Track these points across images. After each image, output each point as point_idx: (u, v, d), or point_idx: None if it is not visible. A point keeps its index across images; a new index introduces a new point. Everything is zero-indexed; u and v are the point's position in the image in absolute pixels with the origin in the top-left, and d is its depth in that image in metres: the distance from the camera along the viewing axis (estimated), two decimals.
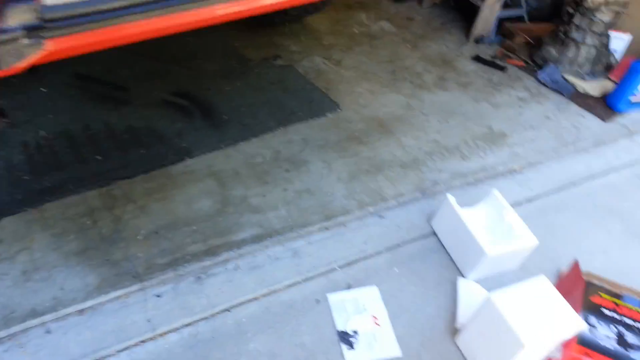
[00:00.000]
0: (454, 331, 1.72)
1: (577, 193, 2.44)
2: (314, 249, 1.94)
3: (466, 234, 1.88)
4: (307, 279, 1.83)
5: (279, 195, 2.12)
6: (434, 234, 2.07)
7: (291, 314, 1.71)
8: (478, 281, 1.90)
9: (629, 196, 2.48)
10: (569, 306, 1.52)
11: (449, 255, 1.99)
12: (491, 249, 1.81)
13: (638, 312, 1.62)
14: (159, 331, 1.58)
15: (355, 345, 1.62)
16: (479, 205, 2.07)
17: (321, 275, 1.85)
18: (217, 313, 1.68)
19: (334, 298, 1.76)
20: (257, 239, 1.93)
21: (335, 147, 2.42)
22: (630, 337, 1.54)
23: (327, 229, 2.03)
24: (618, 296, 1.66)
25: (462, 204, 2.00)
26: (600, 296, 1.65)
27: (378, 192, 2.22)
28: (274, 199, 2.10)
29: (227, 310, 1.69)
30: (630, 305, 1.64)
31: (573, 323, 1.48)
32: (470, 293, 1.83)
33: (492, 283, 1.90)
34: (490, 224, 1.99)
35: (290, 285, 1.80)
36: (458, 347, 1.68)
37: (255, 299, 1.74)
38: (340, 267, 1.89)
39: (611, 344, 1.51)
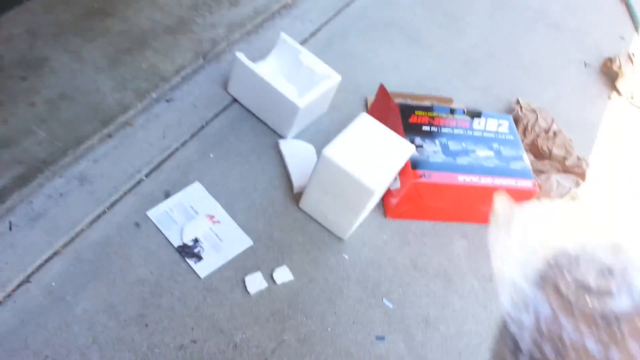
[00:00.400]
0: (296, 197, 1.73)
1: (353, 14, 2.51)
2: (104, 166, 1.66)
3: (270, 92, 1.79)
4: (112, 205, 1.58)
5: (27, 113, 1.70)
6: (235, 100, 1.95)
7: (112, 251, 1.49)
8: (298, 137, 1.89)
9: (399, 4, 2.64)
10: (395, 134, 1.61)
11: (260, 119, 1.91)
12: (301, 100, 1.77)
13: (449, 118, 1.82)
14: None
15: (202, 254, 1.52)
16: (271, 54, 1.97)
17: (128, 194, 1.62)
18: (13, 291, 1.37)
19: (155, 213, 1.58)
20: (21, 181, 1.55)
21: (75, 30, 1.98)
22: (452, 144, 1.73)
23: (110, 136, 1.74)
24: (429, 109, 1.82)
25: (253, 58, 1.88)
26: (416, 114, 1.78)
27: (154, 72, 1.94)
28: (21, 121, 1.68)
29: (26, 281, 1.39)
30: (441, 114, 1.82)
31: (403, 149, 1.59)
32: (296, 152, 1.82)
33: (312, 134, 1.91)
34: (290, 72, 1.93)
35: (94, 220, 1.54)
36: (305, 212, 1.70)
37: (56, 253, 1.46)
38: (147, 175, 1.67)
39: (439, 157, 1.69)
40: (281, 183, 1.76)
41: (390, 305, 1.60)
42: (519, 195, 1.72)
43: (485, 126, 1.82)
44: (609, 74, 2.80)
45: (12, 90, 1.74)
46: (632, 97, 2.74)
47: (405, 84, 2.21)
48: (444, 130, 1.77)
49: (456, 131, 1.78)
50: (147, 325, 1.38)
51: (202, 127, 1.84)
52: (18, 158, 1.59)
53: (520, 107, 2.13)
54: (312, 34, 2.32)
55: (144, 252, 1.51)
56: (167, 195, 1.63)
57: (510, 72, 2.55)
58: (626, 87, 2.74)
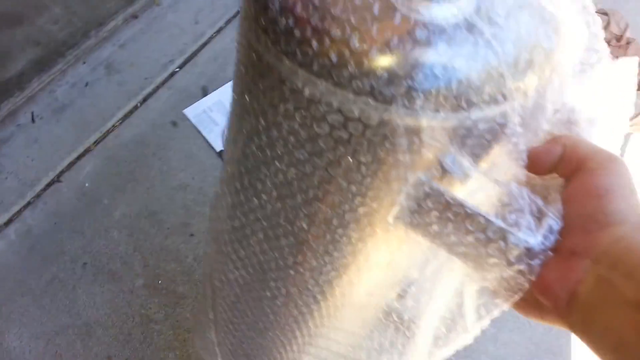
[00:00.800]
0: None
1: None
2: (132, 52, 1.55)
3: None
4: (144, 99, 1.50)
5: None
6: None
7: (148, 152, 1.42)
8: None
9: None
10: None
11: None
12: None
13: None
14: None
15: None
16: None
17: (161, 87, 1.52)
18: (42, 191, 1.32)
19: (193, 112, 1.49)
20: (40, 65, 1.45)
21: None
22: None
23: (135, 16, 1.62)
24: None
25: None
26: None
27: None
28: None
29: (56, 181, 1.33)
30: None
31: None
32: None
33: None
34: None
35: (126, 116, 1.46)
36: None
37: (88, 151, 1.39)
38: (181, 66, 1.56)
39: None
40: None
41: None
42: None
43: None
44: None
45: None
46: None
47: None
48: None
49: None
50: (192, 235, 1.35)
51: (238, 12, 1.70)
52: (34, 38, 1.47)
53: None
54: None
55: (184, 154, 1.44)
56: (205, 92, 1.54)
57: None
58: None
